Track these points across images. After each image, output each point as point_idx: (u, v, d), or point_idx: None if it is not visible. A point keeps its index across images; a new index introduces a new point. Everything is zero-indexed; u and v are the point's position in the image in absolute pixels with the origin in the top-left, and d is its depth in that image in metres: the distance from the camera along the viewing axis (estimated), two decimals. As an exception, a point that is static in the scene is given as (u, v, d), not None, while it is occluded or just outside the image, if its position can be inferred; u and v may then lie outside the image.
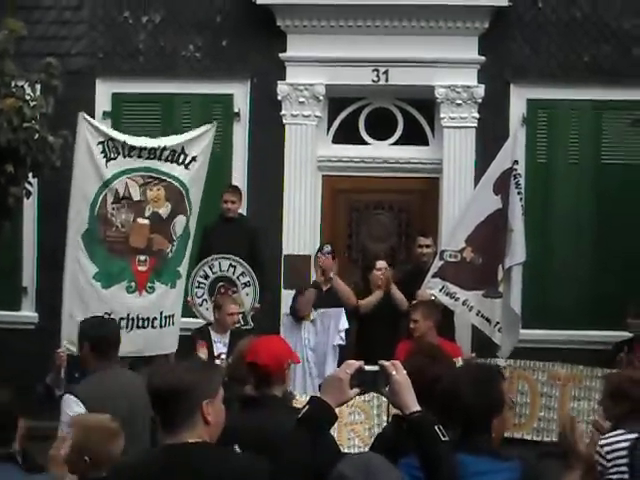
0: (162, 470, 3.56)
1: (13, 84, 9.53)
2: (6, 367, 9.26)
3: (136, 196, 8.30)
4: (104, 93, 11.74)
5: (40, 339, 10.49)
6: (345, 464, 3.31)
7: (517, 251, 9.73)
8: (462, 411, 3.86)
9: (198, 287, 9.90)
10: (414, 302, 9.72)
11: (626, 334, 9.97)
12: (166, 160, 8.40)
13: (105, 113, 11.66)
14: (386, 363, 3.77)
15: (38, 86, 9.84)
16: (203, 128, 8.80)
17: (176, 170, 8.44)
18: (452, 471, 3.60)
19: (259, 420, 4.71)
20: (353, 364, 3.77)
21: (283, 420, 4.89)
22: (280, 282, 11.14)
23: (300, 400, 7.13)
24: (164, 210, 8.42)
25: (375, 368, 3.81)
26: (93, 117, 11.30)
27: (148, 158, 8.33)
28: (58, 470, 4.88)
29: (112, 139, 8.21)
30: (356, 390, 3.75)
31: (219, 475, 3.57)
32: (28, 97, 9.53)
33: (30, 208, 11.20)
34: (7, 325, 11.44)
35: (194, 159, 8.51)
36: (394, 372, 3.74)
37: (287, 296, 10.48)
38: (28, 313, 11.65)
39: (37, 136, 9.28)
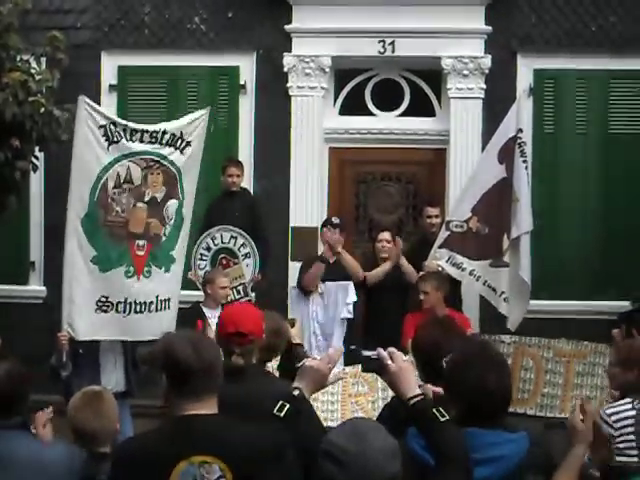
0: (184, 440, 3.58)
1: (18, 58, 9.51)
2: (15, 341, 9.30)
3: (137, 180, 8.30)
4: (110, 66, 11.71)
5: (48, 313, 10.49)
6: (334, 431, 3.35)
7: (523, 220, 9.70)
8: (491, 400, 3.86)
9: (201, 259, 9.93)
10: (422, 273, 9.71)
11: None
12: (167, 144, 8.39)
13: (111, 86, 11.64)
14: (383, 353, 3.88)
15: (43, 60, 9.83)
16: (199, 113, 8.77)
17: (174, 155, 8.44)
18: (459, 450, 3.63)
19: (252, 391, 4.71)
20: (333, 357, 4.03)
21: (273, 389, 4.96)
22: (287, 254, 11.16)
23: None
24: (160, 194, 8.43)
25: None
26: (99, 90, 11.43)
27: (150, 142, 8.32)
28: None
29: (114, 123, 8.19)
30: (334, 378, 4.04)
31: (238, 445, 3.60)
32: (33, 71, 9.52)
33: (37, 182, 11.21)
34: (15, 299, 11.47)
35: (188, 144, 8.50)
36: (389, 362, 3.84)
37: (295, 268, 10.48)
38: (36, 287, 11.68)
39: (43, 110, 9.27)
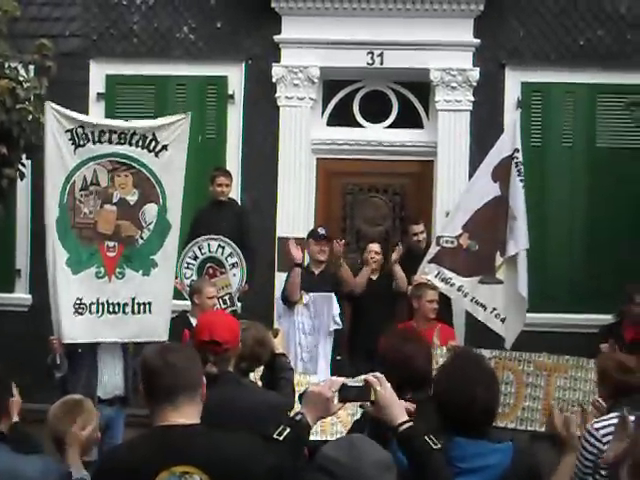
0: (164, 450, 3.57)
1: (6, 65, 9.52)
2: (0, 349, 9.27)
3: (104, 182, 8.32)
4: (98, 75, 11.70)
5: (34, 321, 10.50)
6: (329, 445, 3.33)
7: (520, 238, 9.72)
8: (476, 414, 3.86)
9: (187, 268, 9.90)
10: (416, 283, 9.74)
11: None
12: (136, 146, 8.39)
13: (99, 95, 11.64)
14: (371, 378, 3.85)
15: (32, 67, 9.84)
16: (176, 117, 8.76)
17: (145, 157, 8.43)
18: (447, 478, 3.64)
19: (224, 398, 4.72)
20: (337, 381, 3.88)
21: (235, 396, 4.95)
22: (274, 265, 11.15)
23: (299, 381, 7.10)
24: (131, 197, 8.42)
25: (358, 384, 3.89)
26: (87, 99, 11.41)
27: (118, 143, 8.33)
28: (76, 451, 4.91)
29: (82, 126, 8.20)
30: (339, 405, 3.87)
31: (221, 457, 3.57)
32: (21, 78, 9.54)
33: (24, 190, 11.17)
34: (1, 307, 11.44)
35: (165, 148, 8.49)
36: (379, 387, 3.81)
37: (281, 279, 10.47)
38: (22, 295, 11.64)
39: (31, 117, 9.28)
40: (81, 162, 8.21)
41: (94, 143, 8.23)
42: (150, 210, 8.49)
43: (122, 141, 8.33)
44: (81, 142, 8.18)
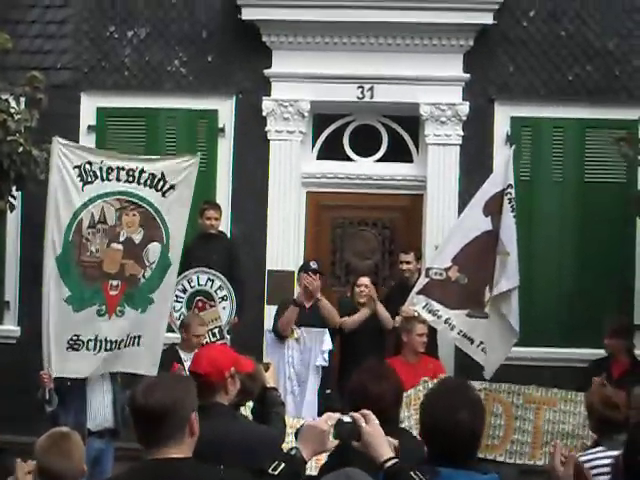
0: None
1: (-3, 97, 9.53)
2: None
3: (111, 220, 8.30)
4: (89, 107, 11.71)
5: (22, 353, 10.45)
6: (326, 478, 3.32)
7: (513, 275, 9.71)
8: (461, 437, 3.85)
9: (176, 301, 9.86)
10: (399, 318, 9.74)
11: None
12: (144, 185, 8.39)
13: (90, 127, 11.64)
14: (356, 415, 3.82)
15: (23, 99, 9.84)
16: (186, 158, 8.78)
17: (153, 196, 8.43)
18: None
19: (217, 431, 4.68)
20: (333, 416, 3.85)
21: (229, 429, 4.92)
22: (264, 298, 11.13)
23: (292, 424, 7.03)
24: (137, 236, 8.41)
25: (351, 420, 3.85)
26: (78, 131, 11.42)
27: (127, 181, 8.33)
28: None
29: (89, 162, 8.20)
30: (335, 442, 3.83)
31: None
32: (12, 110, 9.52)
33: (13, 221, 11.16)
34: (-12, 339, 11.40)
35: (172, 187, 8.50)
36: (364, 424, 3.79)
37: (271, 312, 10.45)
38: (10, 327, 11.57)
39: (21, 149, 9.26)
40: (89, 199, 8.19)
41: (102, 180, 8.23)
42: (154, 249, 8.47)
43: (130, 179, 8.34)
44: (89, 179, 8.17)
